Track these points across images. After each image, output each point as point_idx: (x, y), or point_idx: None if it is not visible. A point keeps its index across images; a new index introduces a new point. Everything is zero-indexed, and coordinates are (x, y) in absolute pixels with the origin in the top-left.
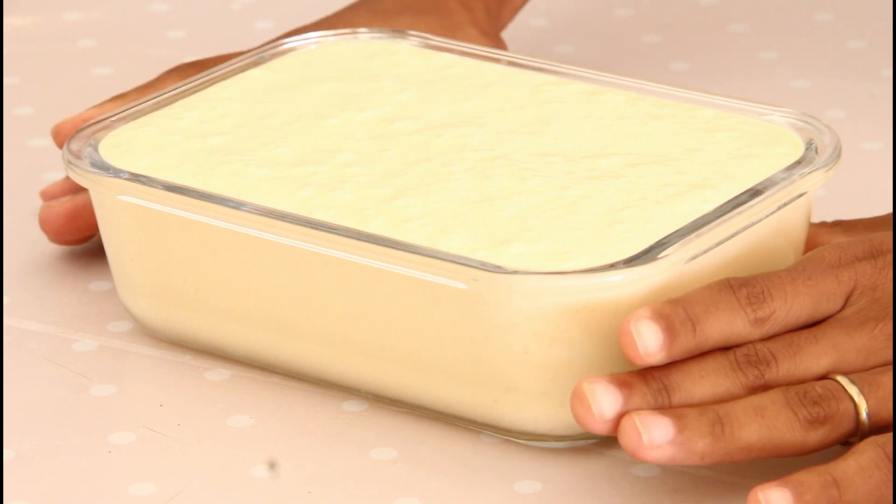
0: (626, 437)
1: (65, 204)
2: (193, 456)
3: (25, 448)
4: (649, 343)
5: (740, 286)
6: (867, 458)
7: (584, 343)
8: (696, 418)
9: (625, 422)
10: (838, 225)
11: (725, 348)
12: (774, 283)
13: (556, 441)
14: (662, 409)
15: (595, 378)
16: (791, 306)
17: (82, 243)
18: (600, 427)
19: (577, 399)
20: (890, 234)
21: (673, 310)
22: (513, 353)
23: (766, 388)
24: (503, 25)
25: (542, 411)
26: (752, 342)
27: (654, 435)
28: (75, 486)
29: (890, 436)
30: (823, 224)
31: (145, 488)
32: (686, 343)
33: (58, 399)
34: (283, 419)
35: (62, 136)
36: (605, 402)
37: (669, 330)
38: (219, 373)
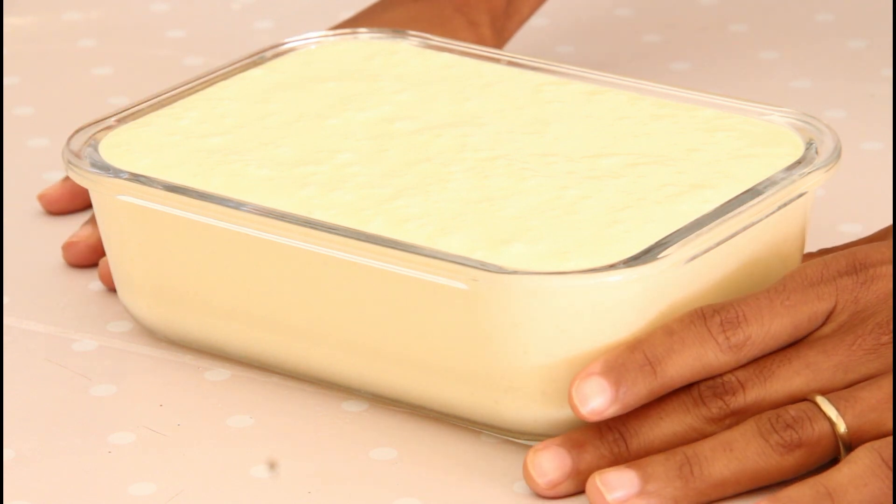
0: (592, 498)
1: (88, 240)
2: (193, 456)
3: (25, 448)
4: (595, 403)
5: (713, 314)
6: (862, 465)
7: (584, 343)
8: (663, 464)
9: (588, 484)
10: (823, 254)
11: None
12: (751, 306)
13: None
14: (626, 460)
15: (544, 444)
16: (769, 329)
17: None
18: (553, 493)
19: (525, 471)
20: (873, 246)
21: (629, 357)
22: (513, 353)
23: (733, 416)
24: (508, 38)
25: (542, 411)
26: (728, 371)
27: (618, 494)
28: (75, 486)
29: (887, 440)
30: (809, 255)
31: (145, 488)
32: (646, 388)
33: (58, 399)
34: (283, 419)
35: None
36: (550, 468)
37: (621, 381)
38: (219, 373)
